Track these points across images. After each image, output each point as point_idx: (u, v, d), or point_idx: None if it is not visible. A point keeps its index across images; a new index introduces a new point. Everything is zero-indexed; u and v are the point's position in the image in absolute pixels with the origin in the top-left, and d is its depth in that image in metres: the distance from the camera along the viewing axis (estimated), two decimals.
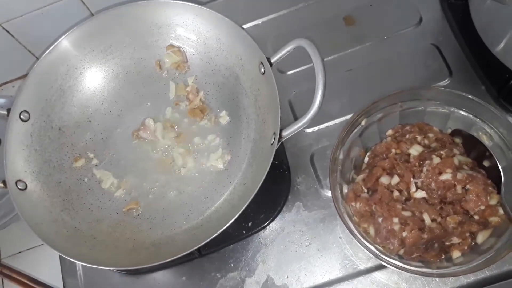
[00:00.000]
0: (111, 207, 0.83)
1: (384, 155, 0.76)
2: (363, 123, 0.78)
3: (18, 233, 0.98)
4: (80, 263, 0.72)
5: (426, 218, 0.68)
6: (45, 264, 0.91)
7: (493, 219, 0.68)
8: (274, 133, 0.72)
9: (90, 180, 0.85)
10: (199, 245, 0.69)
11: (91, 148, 0.87)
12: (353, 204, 0.74)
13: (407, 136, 0.76)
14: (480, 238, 0.69)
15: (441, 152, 0.72)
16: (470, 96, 0.73)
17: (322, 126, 0.88)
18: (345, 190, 0.76)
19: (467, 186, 0.69)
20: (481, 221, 0.69)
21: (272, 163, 0.82)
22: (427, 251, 0.69)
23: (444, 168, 0.69)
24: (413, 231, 0.67)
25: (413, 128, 0.77)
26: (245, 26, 0.99)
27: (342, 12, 0.96)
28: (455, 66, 0.88)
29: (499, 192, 0.69)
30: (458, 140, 0.76)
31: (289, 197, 0.84)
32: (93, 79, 0.89)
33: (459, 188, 0.69)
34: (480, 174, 0.70)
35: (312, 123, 0.87)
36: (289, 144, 0.87)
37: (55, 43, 0.84)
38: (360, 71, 0.91)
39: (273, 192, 0.83)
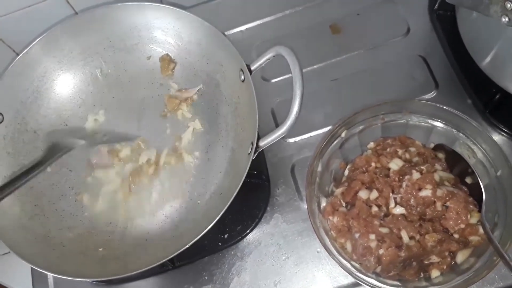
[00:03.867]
0: (84, 214, 0.80)
1: (364, 168, 0.73)
2: (343, 134, 0.76)
3: None
4: (46, 272, 0.69)
5: (404, 236, 0.66)
6: (16, 271, 0.88)
7: (473, 239, 0.66)
8: (252, 143, 0.70)
9: (63, 186, 0.82)
10: (169, 257, 0.66)
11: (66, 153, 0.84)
12: (330, 218, 0.71)
13: (388, 149, 0.74)
14: (460, 257, 0.67)
15: (422, 167, 0.69)
16: (452, 110, 0.71)
17: (305, 136, 0.86)
18: (323, 204, 0.73)
19: (447, 203, 0.66)
20: (461, 240, 0.67)
21: (251, 173, 0.80)
22: (405, 270, 0.67)
23: (424, 184, 0.67)
24: (389, 249, 0.65)
25: (395, 141, 0.75)
26: (229, 32, 0.97)
27: (328, 20, 0.94)
28: (441, 79, 0.86)
29: (480, 211, 0.66)
30: (441, 155, 0.74)
31: (268, 208, 0.81)
32: (71, 82, 0.87)
33: (439, 205, 0.67)
34: (461, 191, 0.68)
35: (294, 133, 0.86)
36: (270, 154, 0.85)
37: (32, 44, 0.82)
38: (345, 81, 0.89)
39: (251, 203, 0.81)
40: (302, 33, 0.94)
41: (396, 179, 0.70)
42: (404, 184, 0.68)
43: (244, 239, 0.80)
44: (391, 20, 0.92)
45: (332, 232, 0.71)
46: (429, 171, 0.69)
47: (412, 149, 0.74)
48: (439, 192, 0.67)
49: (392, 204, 0.68)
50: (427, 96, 0.85)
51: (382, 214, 0.69)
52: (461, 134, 0.72)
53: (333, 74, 0.90)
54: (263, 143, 0.69)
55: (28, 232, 0.75)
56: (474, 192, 0.69)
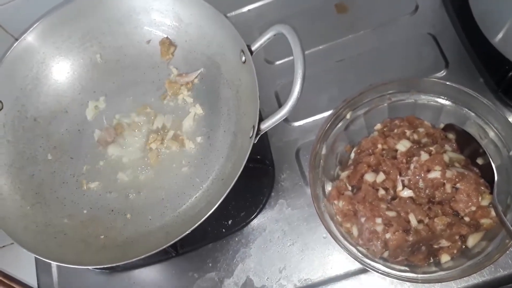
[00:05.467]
0: (85, 201, 0.79)
1: (370, 150, 0.71)
2: (348, 116, 0.73)
3: None
4: (46, 260, 0.68)
5: (412, 219, 0.63)
6: (20, 260, 0.88)
7: (485, 221, 0.63)
8: (253, 126, 0.67)
9: (64, 173, 0.81)
10: (169, 244, 0.65)
11: (67, 140, 0.83)
12: (336, 202, 0.69)
13: (396, 130, 0.71)
14: (471, 241, 0.64)
15: (431, 148, 0.67)
16: (462, 88, 0.68)
17: (309, 119, 0.83)
18: (329, 188, 0.71)
19: (457, 185, 0.64)
20: (472, 223, 0.64)
21: (254, 158, 0.78)
22: (414, 254, 0.64)
23: (433, 165, 0.64)
24: (397, 233, 0.62)
25: (403, 122, 0.72)
26: (233, 13, 0.95)
27: None
28: (452, 57, 0.82)
29: (492, 193, 0.63)
30: (451, 135, 0.71)
31: (272, 194, 0.79)
32: (70, 68, 0.86)
33: (448, 187, 0.64)
34: (472, 173, 0.65)
35: (299, 116, 0.84)
36: (274, 139, 0.83)
37: (29, 30, 0.81)
38: (352, 61, 0.86)
39: (255, 189, 0.79)
40: (307, 13, 0.91)
41: (404, 161, 0.67)
42: (412, 166, 0.66)
43: (249, 225, 0.78)
44: None
45: (337, 216, 0.69)
46: (438, 152, 0.66)
47: (421, 129, 0.71)
48: (449, 174, 0.64)
49: (399, 187, 0.66)
50: (437, 75, 0.82)
51: (390, 197, 0.66)
52: (472, 113, 0.69)
53: (339, 55, 0.87)
54: (265, 126, 0.66)
55: (29, 221, 0.74)
56: (486, 173, 0.66)
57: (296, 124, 0.83)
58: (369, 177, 0.68)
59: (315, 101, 0.84)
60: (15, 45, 0.80)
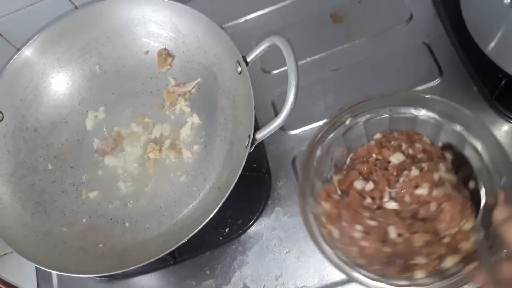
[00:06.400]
0: (84, 210, 0.80)
1: (364, 158, 0.71)
2: (347, 122, 0.73)
3: None
4: (46, 269, 0.69)
5: (391, 231, 0.63)
6: (21, 269, 0.89)
7: (464, 245, 0.62)
8: (249, 135, 0.68)
9: (64, 182, 0.82)
10: (167, 251, 0.66)
11: (67, 150, 0.84)
12: (323, 203, 0.69)
13: (392, 142, 0.71)
14: (448, 262, 0.62)
15: (423, 164, 0.66)
16: (464, 110, 0.67)
17: (306, 128, 0.84)
18: (319, 189, 0.70)
19: (443, 205, 0.63)
20: (452, 245, 0.63)
21: (251, 167, 0.79)
22: (389, 266, 0.63)
23: (422, 182, 0.64)
24: (373, 242, 0.63)
25: (401, 135, 0.71)
26: (230, 24, 0.96)
27: (329, 9, 0.92)
28: (446, 66, 0.83)
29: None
30: (448, 155, 0.70)
31: (269, 202, 0.80)
32: (70, 79, 0.87)
33: (433, 206, 0.63)
34: (461, 195, 0.64)
35: (295, 125, 0.85)
36: (270, 147, 0.84)
37: (29, 42, 0.82)
38: (347, 70, 0.87)
39: (252, 197, 0.80)
40: (303, 23, 0.93)
41: (394, 173, 0.67)
42: (401, 180, 0.66)
43: (245, 233, 0.79)
44: (393, 7, 0.90)
45: (322, 218, 0.69)
46: (430, 170, 0.66)
47: (418, 145, 0.70)
48: (436, 193, 0.63)
49: (386, 198, 0.66)
50: (431, 84, 0.83)
51: (375, 207, 0.66)
52: (471, 137, 0.68)
53: (334, 64, 0.88)
54: (260, 135, 0.67)
55: (29, 229, 0.75)
56: (476, 198, 0.65)
57: (293, 132, 0.84)
58: (358, 184, 0.68)
59: (311, 110, 0.85)
60: (15, 57, 0.81)
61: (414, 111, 0.72)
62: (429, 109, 0.71)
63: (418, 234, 0.62)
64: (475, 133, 0.67)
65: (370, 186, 0.67)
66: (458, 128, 0.69)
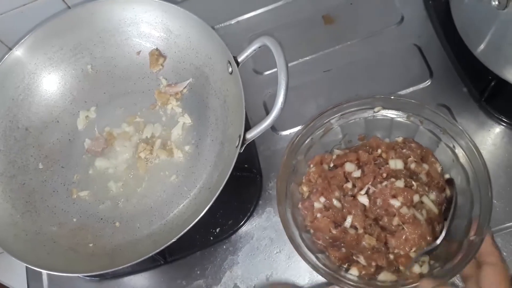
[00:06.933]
0: (75, 210, 0.80)
1: (370, 149, 0.72)
2: (376, 109, 0.72)
3: None
4: (36, 268, 0.69)
5: (348, 220, 0.65)
6: (11, 269, 0.89)
7: (403, 270, 0.63)
8: (239, 136, 0.69)
9: (55, 182, 0.82)
10: (157, 250, 0.66)
11: (58, 149, 0.84)
12: (311, 165, 0.71)
13: (404, 150, 0.70)
14: (381, 276, 0.63)
15: (413, 182, 0.66)
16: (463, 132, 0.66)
17: (297, 128, 0.84)
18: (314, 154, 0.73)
19: (405, 225, 0.63)
20: (392, 263, 0.64)
21: (242, 167, 0.80)
22: (333, 248, 0.65)
23: (399, 195, 0.65)
24: (325, 218, 0.65)
25: (417, 149, 0.70)
26: (222, 25, 0.96)
27: (321, 11, 0.93)
28: (436, 67, 0.84)
29: (428, 253, 0.63)
30: (448, 191, 0.69)
31: (260, 202, 0.81)
32: (62, 79, 0.87)
33: (396, 220, 0.64)
34: (428, 228, 0.63)
35: (287, 125, 0.85)
36: (262, 147, 0.84)
37: (21, 41, 0.82)
38: (339, 71, 0.88)
39: (243, 197, 0.80)
40: (295, 24, 0.93)
41: (384, 175, 0.67)
42: (384, 183, 0.66)
43: (236, 233, 0.79)
44: (384, 9, 0.90)
45: (304, 178, 0.71)
46: (416, 191, 0.65)
47: (425, 166, 0.69)
48: (404, 211, 0.64)
49: (363, 191, 0.67)
50: (422, 85, 0.83)
51: (350, 193, 0.68)
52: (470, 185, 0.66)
53: (326, 65, 0.89)
54: (250, 135, 0.68)
55: (19, 229, 0.75)
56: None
57: (284, 133, 0.85)
58: (348, 167, 0.69)
59: (302, 111, 0.85)
60: (6, 56, 0.81)
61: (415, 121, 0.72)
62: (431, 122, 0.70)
63: (369, 236, 0.64)
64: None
65: (357, 173, 0.68)
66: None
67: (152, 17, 0.83)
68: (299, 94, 0.86)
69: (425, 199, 0.66)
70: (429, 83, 0.83)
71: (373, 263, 0.64)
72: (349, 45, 0.89)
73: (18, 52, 0.82)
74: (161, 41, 0.85)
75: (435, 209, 0.66)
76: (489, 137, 0.78)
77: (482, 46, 0.75)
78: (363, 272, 0.64)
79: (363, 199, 0.67)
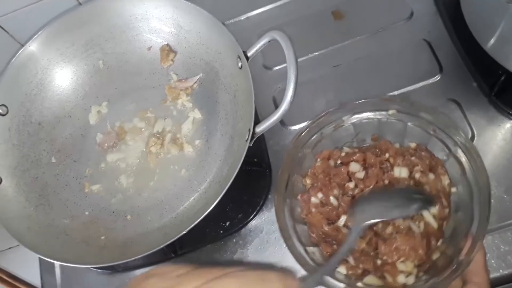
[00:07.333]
0: (87, 203, 0.81)
1: (379, 151, 0.71)
2: (390, 112, 0.71)
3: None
4: (49, 259, 0.70)
5: (342, 220, 0.65)
6: (25, 261, 0.90)
7: (388, 278, 0.62)
8: (249, 130, 0.69)
9: (67, 175, 0.83)
10: (168, 242, 0.67)
11: (70, 144, 0.86)
12: (318, 159, 0.71)
13: (413, 158, 0.68)
14: (368, 280, 0.63)
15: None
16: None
17: (306, 123, 0.83)
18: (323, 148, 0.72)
19: (397, 235, 0.62)
20: (379, 269, 0.63)
21: (251, 161, 0.80)
22: (324, 242, 0.65)
23: None
24: (318, 214, 0.65)
25: (428, 158, 0.68)
26: (232, 21, 0.97)
27: (330, 6, 0.93)
28: (446, 62, 0.84)
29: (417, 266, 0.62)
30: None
31: (269, 196, 0.81)
32: (74, 74, 0.88)
33: (390, 229, 0.63)
34: (422, 242, 0.61)
35: (296, 120, 0.85)
36: (271, 142, 0.85)
37: (34, 37, 0.83)
38: (348, 66, 0.88)
39: (252, 191, 0.81)
40: (304, 20, 0.94)
41: (386, 181, 0.66)
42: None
43: (246, 227, 0.80)
44: (394, 4, 0.90)
45: (310, 171, 0.71)
46: None
47: (432, 176, 0.67)
48: (399, 221, 0.63)
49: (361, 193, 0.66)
50: (431, 80, 0.83)
51: (350, 193, 0.67)
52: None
53: (335, 60, 0.89)
54: (260, 129, 0.68)
55: (33, 222, 0.76)
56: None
57: (293, 128, 0.85)
58: (354, 166, 0.68)
59: (312, 105, 0.86)
60: (20, 51, 0.83)
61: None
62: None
63: (360, 239, 0.63)
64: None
65: (361, 175, 0.67)
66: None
67: (162, 12, 0.84)
68: (308, 89, 0.86)
69: (425, 213, 0.64)
70: (438, 78, 0.83)
71: (361, 265, 0.63)
72: (359, 40, 0.90)
73: (31, 47, 0.83)
74: (171, 37, 0.86)
75: (434, 224, 0.64)
76: (500, 132, 0.78)
77: (492, 41, 0.75)
78: (350, 272, 0.63)
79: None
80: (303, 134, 0.71)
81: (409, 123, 0.70)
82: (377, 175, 0.67)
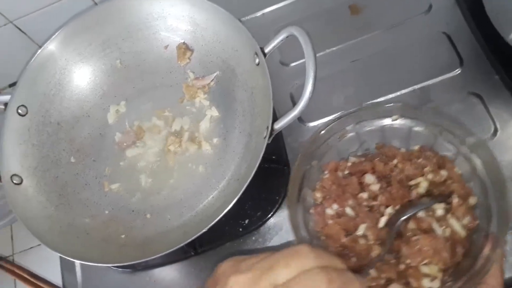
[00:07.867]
0: (107, 202, 0.81)
1: (386, 157, 0.70)
2: (393, 117, 0.71)
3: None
4: (70, 259, 0.71)
5: (360, 229, 0.63)
6: (46, 261, 0.91)
7: (412, 282, 0.59)
8: (267, 127, 0.69)
9: (87, 175, 0.84)
10: (187, 241, 0.66)
11: (89, 143, 0.86)
12: (325, 172, 0.70)
13: (420, 160, 0.67)
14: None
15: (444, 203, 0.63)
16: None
17: (325, 120, 0.84)
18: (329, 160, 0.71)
19: (420, 236, 0.60)
20: (402, 275, 0.60)
21: (270, 158, 0.80)
22: (344, 257, 0.62)
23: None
24: (336, 226, 0.64)
25: (434, 157, 0.67)
26: (248, 17, 0.97)
27: (347, 1, 0.92)
28: (466, 55, 0.82)
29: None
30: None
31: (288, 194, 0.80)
32: (92, 73, 0.88)
33: (411, 224, 0.62)
34: (447, 246, 0.60)
35: (314, 117, 0.85)
36: (289, 139, 0.84)
37: (52, 37, 0.84)
38: (366, 61, 0.87)
39: (271, 189, 0.81)
40: (321, 15, 0.93)
41: (400, 192, 0.65)
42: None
43: (265, 225, 0.79)
44: None
45: (318, 183, 0.70)
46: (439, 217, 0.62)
47: (444, 172, 0.66)
48: (422, 221, 0.62)
49: (385, 214, 0.64)
50: (451, 74, 0.82)
51: (365, 203, 0.66)
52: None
53: (353, 55, 0.88)
54: (278, 126, 0.68)
55: (53, 221, 0.77)
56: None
57: (311, 124, 0.84)
58: (368, 178, 0.67)
59: (330, 102, 0.85)
60: (38, 52, 0.83)
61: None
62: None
63: (378, 247, 0.62)
64: None
65: (376, 187, 0.66)
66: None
67: (179, 10, 0.83)
68: (326, 85, 0.85)
69: (452, 221, 0.62)
70: (459, 72, 0.81)
71: (383, 275, 0.61)
72: (377, 34, 0.88)
73: (49, 48, 0.84)
74: (188, 35, 0.85)
75: (462, 232, 0.62)
76: None
77: None
78: (374, 284, 0.61)
79: (383, 219, 0.64)
80: (309, 147, 0.71)
81: (413, 128, 0.70)
82: (402, 196, 0.65)
